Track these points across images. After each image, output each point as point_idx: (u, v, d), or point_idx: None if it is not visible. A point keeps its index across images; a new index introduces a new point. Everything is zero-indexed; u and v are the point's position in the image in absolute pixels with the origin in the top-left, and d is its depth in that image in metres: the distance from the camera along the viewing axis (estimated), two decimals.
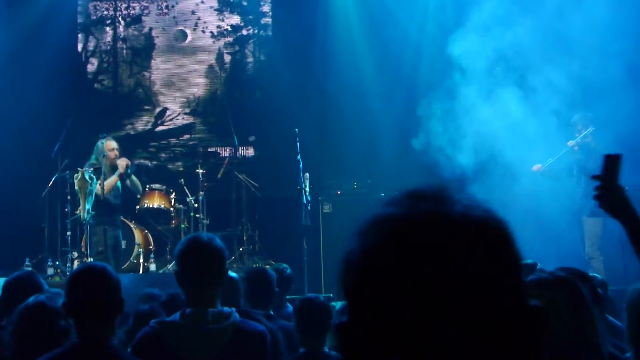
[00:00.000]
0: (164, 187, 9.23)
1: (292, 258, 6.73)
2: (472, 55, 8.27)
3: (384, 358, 0.84)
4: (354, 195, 9.03)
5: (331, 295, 6.90)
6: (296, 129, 7.56)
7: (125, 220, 8.80)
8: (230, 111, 10.34)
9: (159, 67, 11.21)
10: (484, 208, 0.88)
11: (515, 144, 7.98)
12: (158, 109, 11.20)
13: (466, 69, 8.33)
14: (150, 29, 11.20)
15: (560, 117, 7.97)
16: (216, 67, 11.22)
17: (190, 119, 11.18)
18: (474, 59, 8.28)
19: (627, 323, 2.32)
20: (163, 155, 11.17)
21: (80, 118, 9.88)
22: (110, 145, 8.29)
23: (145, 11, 11.20)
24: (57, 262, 8.56)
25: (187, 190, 9.16)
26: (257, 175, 10.03)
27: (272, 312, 4.16)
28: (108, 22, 11.22)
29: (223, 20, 11.21)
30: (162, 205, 9.11)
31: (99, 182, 7.83)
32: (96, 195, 7.80)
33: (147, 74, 11.22)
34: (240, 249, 9.34)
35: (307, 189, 7.27)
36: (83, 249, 8.35)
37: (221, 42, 11.20)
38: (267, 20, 11.22)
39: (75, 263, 8.21)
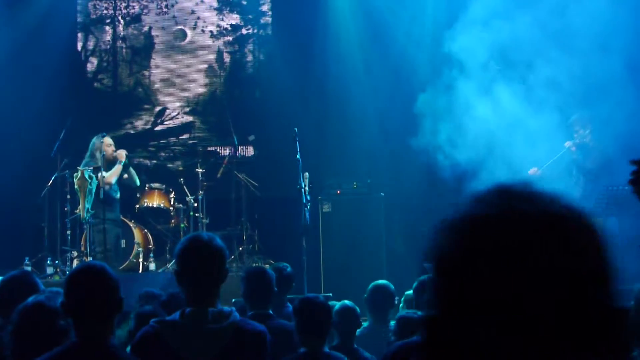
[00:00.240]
0: (164, 186, 9.23)
1: (291, 258, 6.72)
2: (471, 52, 8.25)
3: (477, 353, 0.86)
4: (353, 195, 9.03)
5: (330, 294, 6.91)
6: (296, 129, 7.56)
7: (125, 220, 8.80)
8: (229, 110, 10.34)
9: (159, 67, 11.20)
10: (573, 205, 0.90)
11: (515, 142, 7.97)
12: (158, 108, 11.19)
13: (466, 67, 8.32)
14: (150, 28, 11.20)
15: (560, 113, 7.95)
16: (216, 66, 11.21)
17: (190, 118, 11.18)
18: (474, 56, 8.26)
19: (632, 321, 2.32)
20: (162, 154, 11.16)
21: (80, 117, 9.88)
22: (107, 141, 8.39)
23: (145, 10, 11.19)
24: (57, 261, 8.56)
25: (186, 190, 9.16)
26: (256, 174, 10.03)
27: (271, 312, 4.15)
28: (108, 21, 11.21)
29: (223, 20, 11.20)
30: (162, 205, 9.11)
31: (100, 175, 7.87)
32: (100, 190, 7.83)
33: (146, 73, 11.21)
34: (240, 249, 9.34)
35: (307, 188, 7.27)
36: (83, 248, 8.35)
37: (221, 42, 11.20)
38: (267, 19, 11.21)
39: (75, 262, 8.21)
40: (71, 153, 8.79)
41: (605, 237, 0.90)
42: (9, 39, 10.13)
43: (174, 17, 11.19)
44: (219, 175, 9.59)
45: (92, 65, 11.23)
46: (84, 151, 8.53)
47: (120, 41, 11.22)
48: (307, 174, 7.35)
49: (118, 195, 8.48)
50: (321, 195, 8.94)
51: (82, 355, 2.53)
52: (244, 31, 11.22)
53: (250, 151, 10.96)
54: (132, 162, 9.10)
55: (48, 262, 8.61)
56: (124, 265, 8.62)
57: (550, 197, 0.90)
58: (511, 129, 7.98)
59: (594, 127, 7.89)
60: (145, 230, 9.18)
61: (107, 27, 11.22)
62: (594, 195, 7.37)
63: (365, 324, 4.85)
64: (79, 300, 2.57)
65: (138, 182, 8.79)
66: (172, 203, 9.17)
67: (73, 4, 11.14)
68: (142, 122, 11.18)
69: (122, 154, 8.41)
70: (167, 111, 11.18)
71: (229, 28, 11.20)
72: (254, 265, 8.53)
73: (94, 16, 11.22)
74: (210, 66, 11.21)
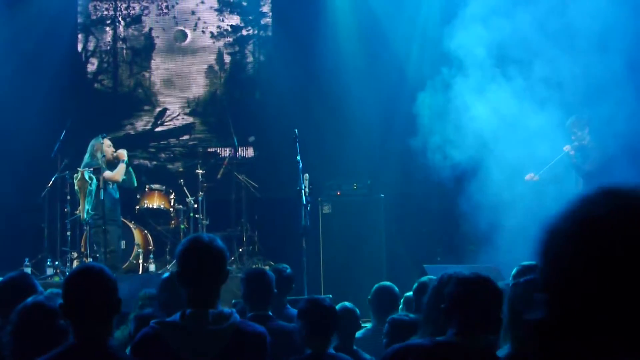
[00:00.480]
0: (164, 187, 9.24)
1: (291, 259, 6.72)
2: (471, 51, 8.24)
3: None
4: (353, 196, 9.02)
5: (330, 296, 6.90)
6: (296, 130, 7.55)
7: (125, 221, 8.80)
8: (230, 111, 10.34)
9: (159, 67, 11.21)
10: None
11: (515, 141, 7.95)
12: (158, 109, 11.20)
13: (465, 66, 8.30)
14: (150, 29, 11.20)
15: (560, 113, 7.94)
16: (216, 67, 11.22)
17: (190, 120, 11.18)
18: (473, 55, 8.25)
19: None
20: (163, 155, 11.17)
21: (80, 118, 9.88)
22: (107, 142, 8.40)
23: (145, 11, 11.20)
24: (57, 262, 8.57)
25: (186, 191, 9.17)
26: (256, 175, 10.03)
27: (271, 313, 4.15)
28: (108, 22, 11.22)
29: (223, 21, 11.21)
30: (162, 206, 9.11)
31: (101, 177, 7.87)
32: (100, 191, 7.83)
33: (147, 74, 11.22)
34: (240, 250, 9.34)
35: (307, 189, 7.26)
36: (83, 249, 8.36)
37: (221, 43, 11.20)
38: (267, 20, 11.22)
39: (75, 263, 8.22)
40: (71, 154, 8.79)
41: None
42: (9, 39, 10.14)
43: (174, 18, 11.20)
44: (219, 176, 9.59)
45: (92, 66, 11.24)
46: (84, 152, 8.54)
47: (120, 42, 11.23)
48: (307, 175, 7.34)
49: (118, 196, 8.49)
50: (321, 196, 8.94)
51: (80, 356, 2.53)
52: (244, 32, 11.23)
53: (250, 152, 10.97)
54: (132, 163, 9.10)
55: (48, 263, 8.62)
56: (124, 266, 8.62)
57: None
58: (511, 128, 7.97)
59: (593, 127, 7.87)
60: (145, 232, 9.18)
61: (108, 28, 11.23)
62: None
63: (368, 326, 4.83)
64: (78, 301, 2.57)
65: (136, 183, 8.80)
66: (172, 204, 9.17)
67: (73, 5, 11.15)
68: (142, 123, 11.18)
69: (123, 153, 8.41)
70: (167, 112, 11.18)
71: (229, 29, 11.21)
72: (254, 266, 8.53)
73: (95, 17, 11.23)
74: (210, 67, 11.21)
